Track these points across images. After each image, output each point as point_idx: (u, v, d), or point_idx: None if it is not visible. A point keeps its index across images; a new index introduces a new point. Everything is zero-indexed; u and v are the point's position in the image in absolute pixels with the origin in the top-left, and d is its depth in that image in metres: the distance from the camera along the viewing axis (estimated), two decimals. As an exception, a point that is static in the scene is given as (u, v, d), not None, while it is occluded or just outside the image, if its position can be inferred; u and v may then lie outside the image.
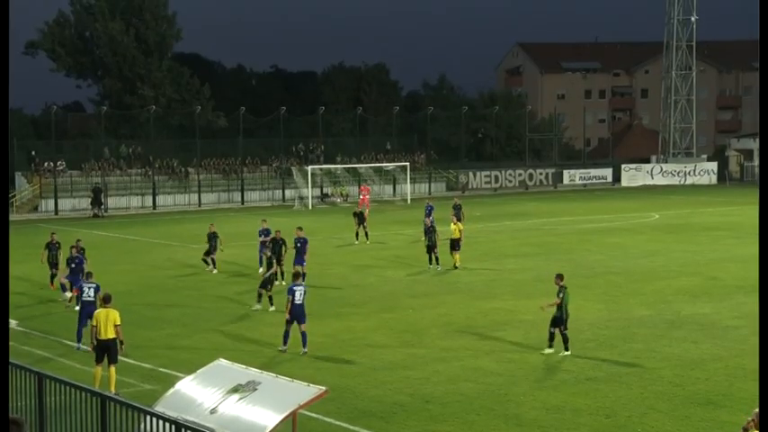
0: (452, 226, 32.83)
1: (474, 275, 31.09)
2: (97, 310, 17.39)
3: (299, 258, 28.95)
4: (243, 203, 65.53)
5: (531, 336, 21.56)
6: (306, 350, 19.90)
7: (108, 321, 16.92)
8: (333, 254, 36.95)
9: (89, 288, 21.11)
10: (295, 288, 20.02)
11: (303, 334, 19.96)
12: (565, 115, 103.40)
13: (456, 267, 31.80)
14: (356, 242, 39.64)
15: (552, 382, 17.63)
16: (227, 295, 27.69)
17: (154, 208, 62.48)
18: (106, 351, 16.94)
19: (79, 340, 20.83)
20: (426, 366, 18.92)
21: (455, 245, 32.15)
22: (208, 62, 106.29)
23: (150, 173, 64.81)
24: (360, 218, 40.47)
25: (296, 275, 20.92)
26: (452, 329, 22.49)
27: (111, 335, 16.93)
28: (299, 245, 29.43)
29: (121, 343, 17.15)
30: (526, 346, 20.52)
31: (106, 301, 17.31)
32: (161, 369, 18.81)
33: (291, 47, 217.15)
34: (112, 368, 16.87)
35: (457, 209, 39.24)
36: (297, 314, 19.86)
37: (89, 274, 22.11)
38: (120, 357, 17.49)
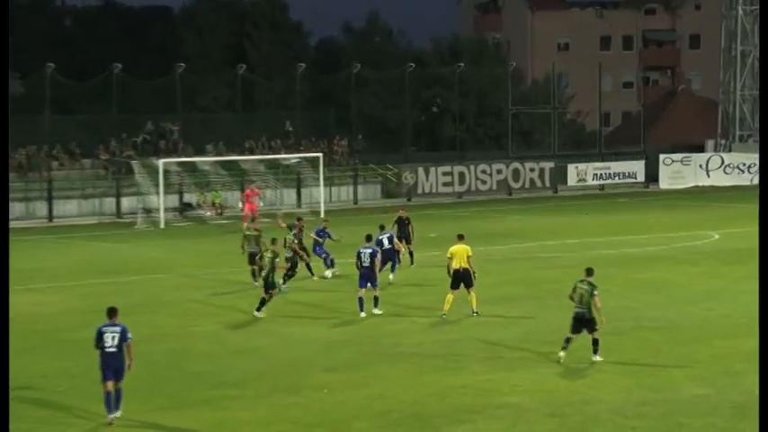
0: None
1: (426, 333, 30.97)
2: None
3: None
4: (51, 220, 64.68)
5: (518, 429, 21.43)
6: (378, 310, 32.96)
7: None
8: (202, 303, 36.78)
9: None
10: (362, 250, 33.44)
11: (375, 298, 33.54)
12: (570, 77, 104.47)
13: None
14: (256, 284, 39.24)
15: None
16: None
17: None
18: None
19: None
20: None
21: None
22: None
23: None
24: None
25: (368, 238, 34.83)
26: (391, 421, 22.36)
27: None
28: None
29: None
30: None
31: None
32: None
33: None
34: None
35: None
36: (368, 276, 33.23)
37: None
38: None
